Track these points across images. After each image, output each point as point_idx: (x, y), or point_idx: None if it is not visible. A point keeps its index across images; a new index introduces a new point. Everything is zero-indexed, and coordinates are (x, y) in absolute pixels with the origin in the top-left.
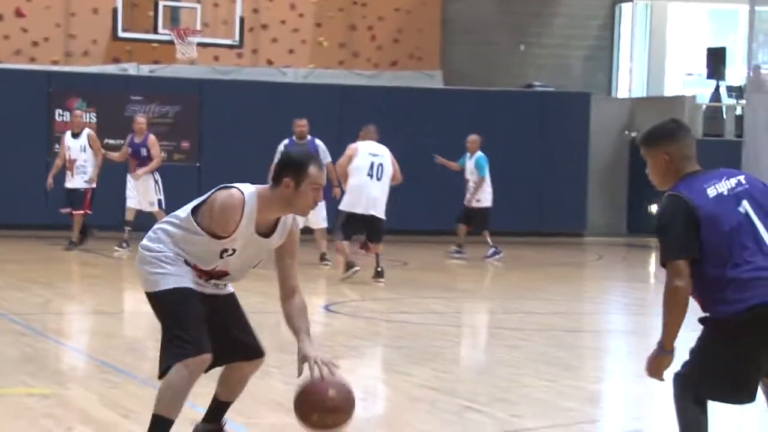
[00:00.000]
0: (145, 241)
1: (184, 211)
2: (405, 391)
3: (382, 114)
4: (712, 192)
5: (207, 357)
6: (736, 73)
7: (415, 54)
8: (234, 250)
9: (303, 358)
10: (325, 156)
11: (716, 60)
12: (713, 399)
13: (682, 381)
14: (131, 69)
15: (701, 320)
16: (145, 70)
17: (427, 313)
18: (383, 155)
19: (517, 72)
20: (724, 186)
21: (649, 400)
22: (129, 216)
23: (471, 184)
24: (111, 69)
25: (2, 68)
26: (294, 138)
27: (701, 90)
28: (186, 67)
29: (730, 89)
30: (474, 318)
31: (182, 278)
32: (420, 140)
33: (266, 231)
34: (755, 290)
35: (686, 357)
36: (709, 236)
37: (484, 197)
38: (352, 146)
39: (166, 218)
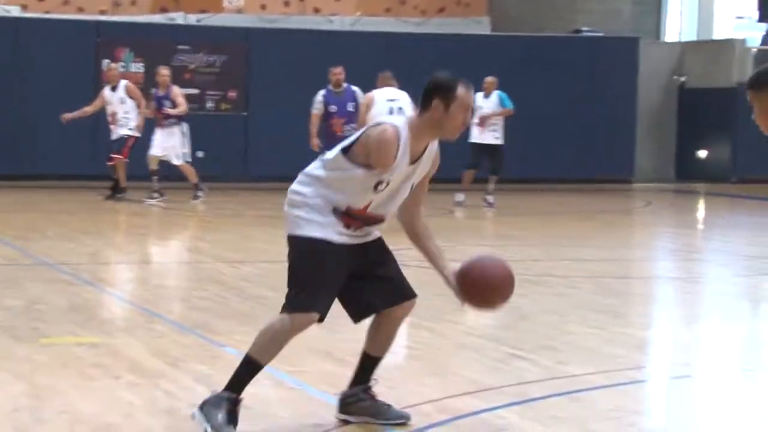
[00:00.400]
0: (295, 185)
1: (332, 153)
2: (451, 338)
3: (429, 62)
4: None
5: (315, 317)
6: None
7: (463, 0)
8: (388, 183)
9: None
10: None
11: (767, 3)
12: None
13: None
14: (178, 18)
15: None
16: (192, 19)
17: None
18: (401, 99)
19: (565, 17)
20: None
21: (697, 346)
22: (152, 165)
23: (492, 121)
24: (158, 18)
25: (51, 18)
26: (330, 87)
27: (752, 33)
28: (233, 15)
29: None
30: (520, 265)
31: (326, 229)
32: None
33: (416, 159)
34: None
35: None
36: None
37: (502, 135)
38: (368, 95)
39: (314, 164)
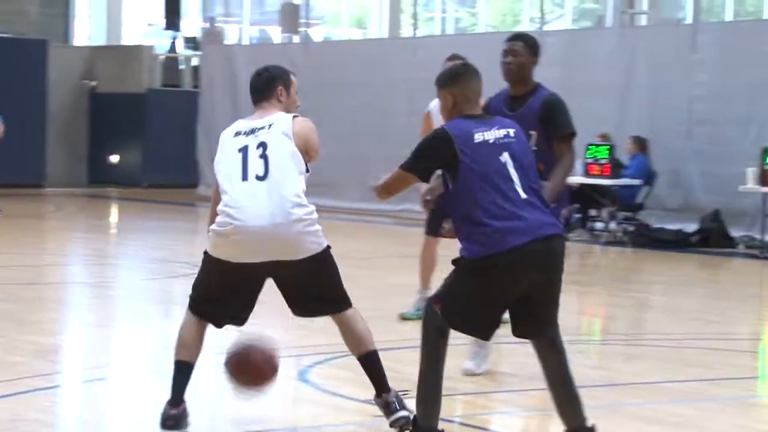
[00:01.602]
0: (294, 210)
1: (303, 168)
2: None
3: None
4: (478, 138)
5: None
6: (192, 25)
7: None
8: None
9: None
10: None
11: (172, 11)
12: (461, 331)
13: (431, 311)
14: None
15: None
16: None
17: None
18: None
19: None
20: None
21: (109, 349)
22: None
23: None
24: None
25: None
26: None
27: (161, 40)
28: None
29: (187, 40)
30: None
31: None
32: None
33: None
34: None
35: None
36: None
37: None
38: None
39: (295, 184)
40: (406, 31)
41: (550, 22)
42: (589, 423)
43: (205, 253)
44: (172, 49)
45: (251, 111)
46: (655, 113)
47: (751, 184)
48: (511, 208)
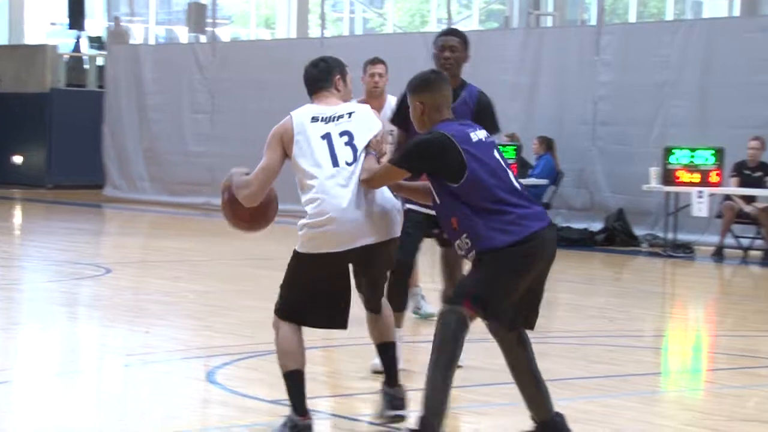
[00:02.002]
0: (378, 194)
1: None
2: None
3: None
4: (474, 137)
5: None
6: (96, 24)
7: None
8: None
9: None
10: None
11: (76, 11)
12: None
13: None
14: None
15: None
16: None
17: None
18: None
19: None
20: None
21: (16, 351)
22: None
23: None
24: None
25: None
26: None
27: (64, 40)
28: None
29: (91, 40)
30: None
31: None
32: None
33: None
34: None
35: None
36: None
37: None
38: None
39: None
40: (314, 31)
41: (458, 23)
42: (558, 411)
43: (296, 253)
44: (77, 48)
45: (158, 109)
46: (561, 113)
47: (653, 184)
48: (519, 199)
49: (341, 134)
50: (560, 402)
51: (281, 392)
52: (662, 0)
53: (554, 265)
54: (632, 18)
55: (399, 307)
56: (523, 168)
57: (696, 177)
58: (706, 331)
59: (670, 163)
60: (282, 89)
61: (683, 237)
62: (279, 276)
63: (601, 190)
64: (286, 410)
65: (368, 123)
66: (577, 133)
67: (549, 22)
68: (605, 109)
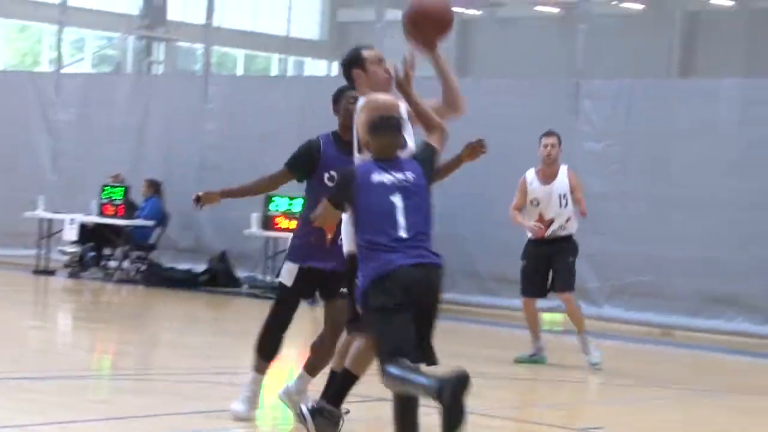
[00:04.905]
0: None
1: None
2: None
3: None
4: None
5: None
6: None
7: None
8: None
9: None
10: None
11: None
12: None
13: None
14: None
15: None
16: None
17: None
18: None
19: None
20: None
21: None
22: None
23: None
24: None
25: None
26: None
27: None
28: None
29: None
30: None
31: None
32: None
33: None
34: None
35: None
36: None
37: None
38: None
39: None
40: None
41: (70, 65)
42: None
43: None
44: None
45: None
46: (170, 158)
47: (254, 228)
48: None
49: None
50: None
51: None
52: (267, 58)
53: (159, 304)
54: (240, 71)
55: None
56: (130, 209)
57: (293, 223)
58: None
59: (270, 210)
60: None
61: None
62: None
63: (206, 233)
64: None
65: None
66: (185, 177)
67: (160, 69)
68: (212, 155)
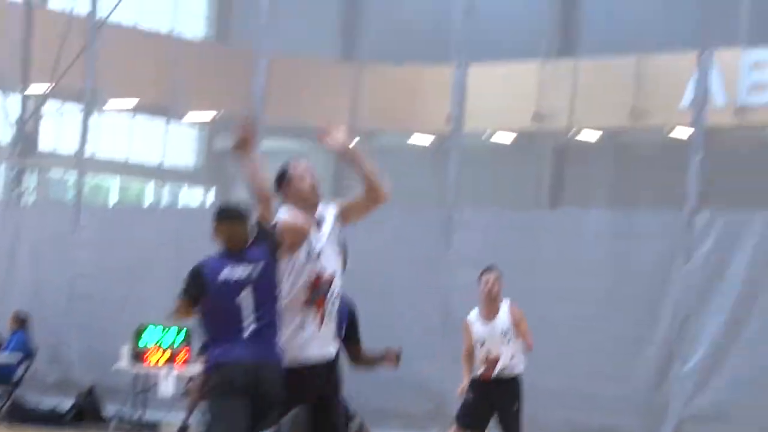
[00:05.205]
0: None
1: None
2: None
3: None
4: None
5: None
6: None
7: None
8: None
9: None
10: None
11: None
12: None
13: None
14: None
15: None
16: None
17: None
18: None
19: None
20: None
21: None
22: None
23: None
24: None
25: None
26: None
27: None
28: None
29: None
30: None
31: None
32: None
33: None
34: None
35: None
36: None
37: None
38: None
39: None
40: None
41: None
42: None
43: None
44: None
45: None
46: (38, 288)
47: (124, 363)
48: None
49: None
50: None
51: None
52: (142, 186)
53: None
54: (112, 202)
55: None
56: None
57: (165, 356)
58: None
59: (139, 345)
60: None
61: (152, 415)
62: None
63: (75, 367)
64: None
65: None
66: (54, 309)
67: (30, 200)
68: (83, 285)
